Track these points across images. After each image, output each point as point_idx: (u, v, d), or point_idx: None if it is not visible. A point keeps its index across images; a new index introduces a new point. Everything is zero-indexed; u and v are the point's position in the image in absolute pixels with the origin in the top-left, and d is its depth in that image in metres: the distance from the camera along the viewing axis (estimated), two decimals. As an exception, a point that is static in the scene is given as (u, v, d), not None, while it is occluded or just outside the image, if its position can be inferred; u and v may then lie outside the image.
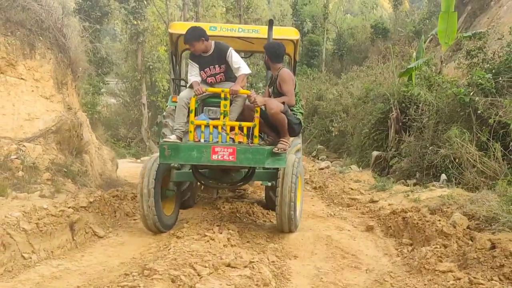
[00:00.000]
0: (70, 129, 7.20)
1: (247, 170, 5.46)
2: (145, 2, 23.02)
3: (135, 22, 22.56)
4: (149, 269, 2.94)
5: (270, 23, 5.83)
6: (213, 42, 5.37)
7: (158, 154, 5.00)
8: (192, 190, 6.36)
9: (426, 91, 9.91)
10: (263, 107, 5.00)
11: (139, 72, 24.48)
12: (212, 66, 5.38)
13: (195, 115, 4.96)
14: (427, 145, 9.28)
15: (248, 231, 5.04)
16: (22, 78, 6.96)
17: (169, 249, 3.70)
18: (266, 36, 5.84)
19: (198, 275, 2.97)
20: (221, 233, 4.43)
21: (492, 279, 3.16)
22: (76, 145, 7.26)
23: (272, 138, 5.14)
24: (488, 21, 28.19)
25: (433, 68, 10.81)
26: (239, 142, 4.98)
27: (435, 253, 3.84)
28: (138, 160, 20.00)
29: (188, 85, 5.44)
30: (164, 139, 5.17)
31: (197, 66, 5.40)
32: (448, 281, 3.23)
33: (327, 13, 42.49)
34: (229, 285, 2.90)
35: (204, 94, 5.12)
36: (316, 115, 20.34)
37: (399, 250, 4.50)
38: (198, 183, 6.30)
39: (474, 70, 9.14)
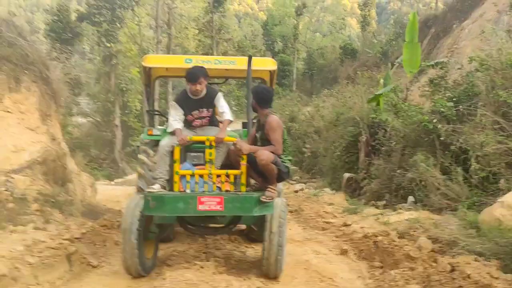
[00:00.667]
0: (55, 159, 7.47)
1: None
2: (118, 25, 23.32)
3: (109, 45, 22.82)
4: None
5: (249, 59, 5.88)
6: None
7: (137, 197, 4.93)
8: (171, 225, 6.04)
9: (393, 117, 10.59)
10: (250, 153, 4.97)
11: (112, 93, 24.66)
12: (202, 109, 5.41)
13: (179, 164, 4.94)
14: (395, 168, 9.91)
15: (232, 258, 5.43)
16: (8, 111, 7.21)
17: (164, 279, 4.07)
18: (242, 67, 5.97)
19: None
20: (208, 261, 4.82)
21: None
22: (61, 175, 7.53)
23: (259, 184, 5.14)
24: (451, 43, 29.66)
25: (399, 94, 11.52)
26: (226, 191, 4.97)
27: (403, 276, 4.34)
28: (112, 183, 20.12)
29: (169, 130, 5.34)
30: (148, 189, 5.06)
31: (181, 110, 5.34)
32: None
33: (297, 34, 43.63)
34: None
35: (188, 142, 5.09)
36: (289, 136, 20.97)
37: (371, 272, 4.99)
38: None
39: (437, 97, 9.88)
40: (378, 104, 12.06)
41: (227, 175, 4.99)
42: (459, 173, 7.92)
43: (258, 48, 47.07)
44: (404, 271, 4.47)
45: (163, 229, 5.55)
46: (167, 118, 6.35)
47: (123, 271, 4.84)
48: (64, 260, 4.57)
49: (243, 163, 4.95)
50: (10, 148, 7.05)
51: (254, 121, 5.61)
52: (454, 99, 9.39)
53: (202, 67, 5.43)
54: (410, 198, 8.89)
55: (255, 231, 5.73)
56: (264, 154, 4.83)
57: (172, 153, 5.07)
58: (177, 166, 4.91)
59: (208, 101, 5.41)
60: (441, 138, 8.69)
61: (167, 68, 6.95)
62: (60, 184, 7.41)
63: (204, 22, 32.36)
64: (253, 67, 5.96)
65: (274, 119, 5.08)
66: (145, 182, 5.94)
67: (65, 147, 8.33)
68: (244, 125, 6.58)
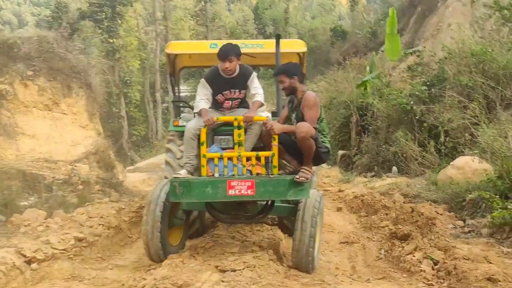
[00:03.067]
0: (103, 150, 9.40)
1: (264, 202, 5.14)
2: (119, 21, 24.96)
3: (111, 41, 24.50)
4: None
5: (277, 38, 5.65)
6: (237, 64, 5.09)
7: (163, 181, 4.98)
8: (202, 219, 5.96)
9: (378, 100, 12.53)
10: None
11: (117, 86, 26.40)
12: (233, 90, 5.15)
13: (206, 147, 4.67)
14: (381, 144, 11.90)
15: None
16: (64, 113, 9.11)
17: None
18: (271, 51, 5.71)
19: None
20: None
21: (410, 229, 5.63)
22: (108, 162, 9.46)
23: (293, 167, 4.80)
24: (436, 21, 31.47)
25: (383, 80, 13.44)
26: (257, 174, 4.66)
27: (380, 218, 6.34)
28: (125, 170, 21.99)
29: (195, 111, 5.19)
30: (174, 175, 4.87)
31: (210, 89, 5.11)
32: (385, 231, 5.73)
33: (288, 17, 45.13)
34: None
35: (215, 123, 4.84)
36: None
37: (358, 220, 6.96)
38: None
39: (414, 82, 11.82)
40: (365, 88, 14.01)
41: (258, 157, 4.72)
42: (432, 145, 9.87)
43: (250, 32, 48.64)
44: (381, 215, 6.47)
45: (191, 217, 5.51)
46: (192, 108, 6.37)
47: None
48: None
49: (275, 143, 4.62)
50: (69, 142, 8.97)
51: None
52: (427, 83, 11.33)
53: (235, 44, 5.15)
54: (394, 169, 10.86)
55: (290, 219, 5.49)
56: (305, 126, 4.50)
57: (199, 136, 4.78)
58: (204, 149, 4.65)
59: (241, 81, 5.14)
60: (417, 117, 10.65)
61: (191, 56, 6.79)
62: (109, 170, 9.34)
63: (197, 11, 33.84)
64: (282, 50, 5.65)
65: (311, 95, 4.82)
66: (172, 170, 5.76)
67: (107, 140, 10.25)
68: (274, 114, 6.22)
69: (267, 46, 6.22)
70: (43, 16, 35.06)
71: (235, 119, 4.68)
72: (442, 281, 3.82)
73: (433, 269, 4.11)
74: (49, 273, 4.09)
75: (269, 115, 5.92)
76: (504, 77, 9.59)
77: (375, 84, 13.21)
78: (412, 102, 10.94)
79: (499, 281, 3.40)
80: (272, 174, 4.57)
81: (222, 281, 3.68)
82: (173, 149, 6.01)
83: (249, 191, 4.42)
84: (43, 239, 4.47)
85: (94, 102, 9.95)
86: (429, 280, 3.90)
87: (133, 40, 27.59)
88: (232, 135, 4.86)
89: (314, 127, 4.60)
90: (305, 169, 4.51)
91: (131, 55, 27.95)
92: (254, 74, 5.24)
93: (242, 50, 5.42)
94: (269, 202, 5.05)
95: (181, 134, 5.81)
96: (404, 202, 6.99)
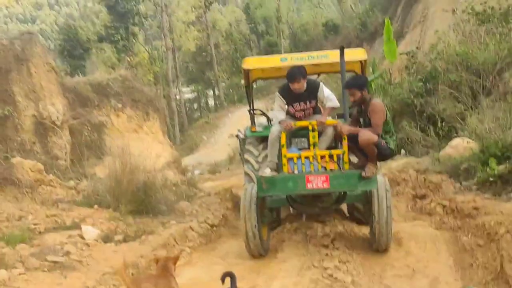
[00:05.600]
0: (177, 159, 12.25)
1: (337, 193, 5.92)
2: (133, 40, 27.71)
3: (129, 59, 27.27)
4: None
5: (341, 50, 6.10)
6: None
7: (251, 184, 5.90)
8: (278, 212, 7.02)
9: (383, 96, 15.42)
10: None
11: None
12: (303, 102, 5.98)
13: (286, 148, 5.52)
14: (390, 132, 14.79)
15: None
16: (146, 134, 11.94)
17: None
18: (335, 60, 6.29)
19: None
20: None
21: (425, 191, 8.49)
22: (182, 168, 12.32)
23: (362, 162, 5.61)
24: (421, 9, 34.38)
25: (385, 78, 16.30)
26: (331, 170, 5.45)
27: (402, 187, 9.25)
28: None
29: (275, 121, 6.16)
30: (260, 174, 5.80)
31: (284, 101, 6.03)
32: (408, 195, 8.65)
33: (279, 16, 47.88)
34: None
35: (293, 128, 5.69)
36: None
37: (386, 191, 9.88)
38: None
39: (411, 79, 14.71)
40: (370, 86, 16.88)
41: (331, 156, 5.50)
42: (431, 130, 12.76)
43: (244, 33, 51.39)
44: (402, 186, 9.37)
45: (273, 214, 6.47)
46: (267, 116, 7.81)
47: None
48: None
49: (345, 143, 5.41)
50: (154, 155, 11.77)
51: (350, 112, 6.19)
52: (422, 80, 14.20)
53: (301, 66, 5.95)
54: (403, 151, 13.77)
55: (359, 210, 6.56)
56: (365, 135, 5.24)
57: (280, 139, 5.68)
58: (284, 150, 5.53)
59: (310, 94, 5.98)
60: (417, 109, 13.53)
61: (263, 70, 7.47)
62: (184, 174, 12.20)
63: (199, 19, 36.53)
64: (346, 59, 6.13)
65: (378, 102, 5.60)
66: (251, 166, 6.94)
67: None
68: (340, 115, 6.83)
69: (331, 56, 6.80)
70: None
71: (309, 123, 5.59)
72: (449, 215, 6.75)
73: (443, 210, 7.03)
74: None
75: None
76: (483, 71, 12.44)
77: (380, 83, 16.07)
78: (412, 97, 13.84)
79: (480, 208, 6.31)
80: (343, 169, 5.46)
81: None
82: (252, 150, 7.16)
83: (324, 184, 5.19)
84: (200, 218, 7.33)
85: (163, 123, 12.79)
86: (442, 216, 6.82)
87: (145, 55, 30.31)
88: (307, 137, 5.83)
89: (378, 133, 5.38)
90: (370, 165, 5.35)
91: (145, 69, 30.71)
92: (321, 84, 6.13)
93: (310, 62, 6.73)
94: (342, 193, 5.93)
95: (257, 139, 7.24)
96: (417, 175, 9.90)
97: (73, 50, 30.62)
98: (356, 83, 5.65)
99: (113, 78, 11.66)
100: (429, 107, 13.22)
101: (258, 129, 7.30)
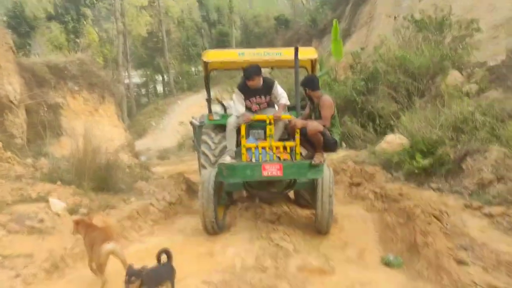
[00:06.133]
0: (131, 143, 12.76)
1: (288, 181, 6.55)
2: (84, 22, 27.46)
3: (78, 41, 27.00)
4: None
5: (296, 50, 6.64)
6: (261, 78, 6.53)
7: (209, 169, 6.58)
8: (231, 194, 7.62)
9: (328, 92, 16.51)
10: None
11: (84, 82, 28.92)
12: (259, 96, 6.64)
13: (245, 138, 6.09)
14: (333, 126, 15.93)
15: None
16: (101, 116, 12.36)
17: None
18: (288, 58, 6.97)
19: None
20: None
21: (361, 180, 9.57)
22: (135, 151, 12.84)
23: (311, 153, 6.26)
24: (369, 10, 36.03)
25: (331, 76, 17.42)
26: (284, 159, 6.04)
27: (340, 176, 10.28)
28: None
29: (234, 113, 6.72)
30: (221, 162, 6.32)
31: (243, 96, 6.64)
32: (346, 183, 9.69)
33: (232, 6, 48.36)
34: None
35: (251, 120, 6.27)
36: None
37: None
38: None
39: (355, 77, 15.87)
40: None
41: (284, 147, 6.08)
42: (370, 126, 13.95)
43: (196, 20, 51.49)
44: (340, 176, 10.41)
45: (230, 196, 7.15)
46: (223, 105, 8.37)
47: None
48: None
49: (297, 136, 6.03)
50: (109, 138, 12.23)
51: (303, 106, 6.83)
52: (365, 79, 15.38)
53: (256, 65, 6.53)
54: (343, 145, 14.93)
55: (304, 196, 7.34)
56: (313, 125, 5.98)
57: (237, 129, 6.40)
58: (243, 141, 6.10)
59: (265, 90, 6.63)
60: (359, 106, 14.69)
61: (222, 62, 7.97)
62: (137, 157, 12.73)
63: (150, 4, 36.47)
64: (290, 57, 6.70)
65: (327, 98, 6.37)
66: (208, 159, 7.43)
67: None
68: (291, 108, 7.32)
69: (284, 53, 7.46)
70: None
71: (267, 117, 6.18)
72: (378, 200, 7.80)
73: (374, 196, 8.09)
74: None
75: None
76: (418, 75, 13.76)
77: (326, 80, 17.16)
78: (355, 94, 15.00)
79: (404, 195, 7.39)
80: (295, 159, 6.05)
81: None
82: (209, 142, 7.67)
83: (278, 172, 5.79)
84: (158, 197, 8.01)
85: (118, 107, 13.21)
86: (372, 201, 7.87)
87: (95, 37, 30.06)
88: (263, 128, 6.51)
89: (325, 125, 6.12)
90: (318, 154, 6.10)
91: (94, 52, 30.42)
92: (276, 83, 6.77)
93: (265, 58, 7.40)
94: (292, 181, 6.58)
95: (214, 127, 7.77)
96: (355, 166, 10.98)
97: (19, 27, 29.90)
98: (307, 82, 6.48)
99: (71, 60, 11.96)
100: (369, 105, 14.40)
101: (215, 117, 7.82)
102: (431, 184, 8.23)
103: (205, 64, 7.68)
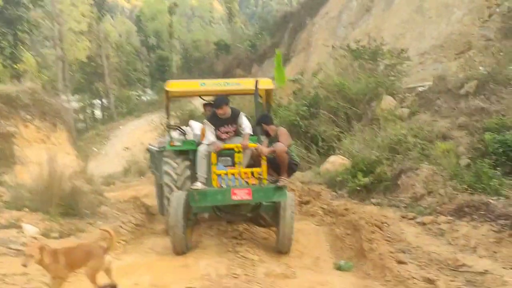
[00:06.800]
0: (83, 170, 13.09)
1: (254, 204, 6.88)
2: (22, 47, 27.17)
3: (16, 67, 26.64)
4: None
5: (256, 83, 7.36)
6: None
7: (179, 193, 6.78)
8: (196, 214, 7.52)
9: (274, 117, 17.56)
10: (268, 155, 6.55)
11: (22, 109, 28.45)
12: (227, 125, 7.15)
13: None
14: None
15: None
16: (54, 144, 12.66)
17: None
18: (248, 87, 7.67)
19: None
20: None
21: (309, 198, 10.52)
22: (88, 176, 13.17)
23: (275, 178, 6.79)
24: (306, 37, 37.95)
25: (275, 101, 18.51)
26: (252, 184, 6.54)
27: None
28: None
29: (206, 142, 7.04)
30: (193, 187, 6.68)
31: (212, 126, 7.08)
32: (296, 201, 10.62)
33: (172, 31, 49.11)
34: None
35: (221, 149, 6.74)
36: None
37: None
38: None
39: (298, 103, 17.04)
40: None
41: (252, 173, 6.61)
42: (314, 148, 15.08)
43: (134, 44, 51.71)
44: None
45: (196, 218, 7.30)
46: (183, 131, 8.62)
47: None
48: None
49: (263, 162, 6.57)
50: (62, 165, 12.51)
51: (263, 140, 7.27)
52: (307, 104, 16.58)
53: (225, 96, 7.18)
54: (289, 166, 15.96)
55: (263, 218, 7.59)
56: (279, 145, 6.63)
57: (207, 157, 6.87)
58: (214, 168, 6.61)
59: (233, 119, 7.16)
60: (302, 129, 15.81)
61: (184, 91, 8.65)
62: (90, 183, 13.06)
63: (89, 29, 36.50)
64: (251, 87, 7.41)
65: (283, 129, 7.32)
66: (171, 191, 7.53)
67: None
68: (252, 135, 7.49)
69: (243, 84, 8.25)
70: None
71: (236, 146, 6.78)
72: (327, 215, 8.76)
73: (323, 212, 9.04)
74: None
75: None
76: (356, 100, 15.10)
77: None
78: (298, 119, 16.13)
79: (349, 209, 8.39)
80: (262, 184, 6.57)
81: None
82: (171, 173, 7.79)
83: (247, 196, 6.30)
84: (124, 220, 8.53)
85: (69, 134, 13.51)
86: (322, 216, 8.82)
87: (32, 63, 29.71)
88: (230, 156, 6.96)
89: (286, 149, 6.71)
90: (283, 178, 6.68)
91: (32, 76, 29.99)
92: (241, 113, 7.29)
93: (225, 88, 7.89)
94: (257, 204, 6.93)
95: (176, 153, 7.93)
96: (302, 186, 11.96)
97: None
98: (262, 120, 7.24)
99: (22, 90, 12.22)
100: (312, 128, 15.56)
101: (176, 143, 8.07)
102: (372, 199, 9.35)
103: (167, 92, 8.02)
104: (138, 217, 8.96)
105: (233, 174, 6.63)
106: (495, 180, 7.50)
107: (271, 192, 6.47)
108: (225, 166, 6.99)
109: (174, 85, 8.03)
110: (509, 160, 8.22)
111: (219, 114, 7.04)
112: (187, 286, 4.97)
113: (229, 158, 7.07)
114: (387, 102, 14.01)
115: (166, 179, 7.78)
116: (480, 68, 13.17)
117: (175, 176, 7.76)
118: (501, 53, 14.05)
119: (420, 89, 14.27)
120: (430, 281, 4.98)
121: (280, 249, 6.80)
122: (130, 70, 43.30)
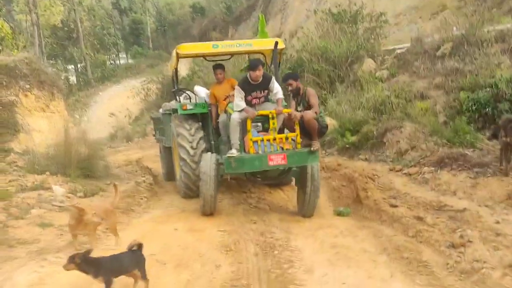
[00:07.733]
0: (83, 133, 13.72)
1: (283, 168, 6.98)
2: (-4, 14, 26.85)
3: (-9, 34, 26.37)
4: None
5: (275, 44, 7.78)
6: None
7: (211, 156, 6.96)
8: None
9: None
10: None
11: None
12: (259, 91, 7.06)
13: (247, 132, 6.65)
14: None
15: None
16: (52, 112, 13.21)
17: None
18: (260, 47, 8.38)
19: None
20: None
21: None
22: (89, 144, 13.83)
23: (306, 142, 6.85)
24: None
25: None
26: (287, 149, 6.65)
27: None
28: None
29: (237, 109, 6.91)
30: (229, 155, 6.65)
31: (243, 92, 6.92)
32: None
33: (146, -7, 48.42)
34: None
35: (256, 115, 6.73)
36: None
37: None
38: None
39: (282, 67, 17.79)
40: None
41: (286, 138, 6.73)
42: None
43: (106, 8, 50.93)
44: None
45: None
46: (189, 95, 8.71)
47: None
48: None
49: (297, 127, 6.66)
50: (62, 133, 13.14)
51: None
52: (291, 67, 17.34)
53: (259, 59, 7.43)
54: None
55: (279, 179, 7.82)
56: (309, 114, 6.81)
57: (240, 124, 6.83)
58: (250, 135, 6.64)
59: (264, 85, 7.07)
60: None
61: (196, 54, 9.10)
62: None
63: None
64: (260, 47, 8.20)
65: (312, 90, 7.32)
66: (186, 151, 7.77)
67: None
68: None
69: (255, 44, 8.67)
70: None
71: (270, 112, 6.70)
72: (321, 170, 9.73)
73: (317, 168, 10.04)
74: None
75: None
76: (338, 63, 15.92)
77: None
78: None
79: (341, 165, 9.39)
80: (296, 148, 6.68)
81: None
82: (185, 134, 7.94)
83: (283, 161, 6.47)
84: (138, 180, 9.34)
85: (66, 102, 14.03)
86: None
87: (8, 30, 29.33)
88: (261, 122, 7.04)
89: (317, 112, 6.97)
90: (315, 142, 6.80)
91: (8, 44, 29.69)
92: (273, 78, 7.25)
93: (237, 49, 8.34)
94: (286, 168, 7.05)
95: (187, 117, 8.08)
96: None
97: None
98: (290, 76, 7.52)
99: (19, 60, 12.63)
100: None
101: (189, 107, 8.16)
102: (360, 156, 10.36)
103: (179, 56, 8.10)
104: (149, 178, 9.75)
105: (268, 140, 6.72)
106: (470, 135, 8.55)
107: (305, 156, 6.64)
108: (258, 132, 7.13)
109: (186, 48, 8.21)
110: (481, 117, 9.27)
111: (254, 77, 6.93)
112: (219, 229, 5.91)
113: (259, 124, 7.16)
114: (368, 64, 14.87)
115: (180, 140, 7.91)
116: (454, 29, 14.09)
117: (189, 138, 7.89)
118: (474, 15, 14.97)
119: (398, 51, 15.16)
120: (419, 218, 6.05)
121: (304, 213, 7.06)
122: (105, 34, 42.92)
